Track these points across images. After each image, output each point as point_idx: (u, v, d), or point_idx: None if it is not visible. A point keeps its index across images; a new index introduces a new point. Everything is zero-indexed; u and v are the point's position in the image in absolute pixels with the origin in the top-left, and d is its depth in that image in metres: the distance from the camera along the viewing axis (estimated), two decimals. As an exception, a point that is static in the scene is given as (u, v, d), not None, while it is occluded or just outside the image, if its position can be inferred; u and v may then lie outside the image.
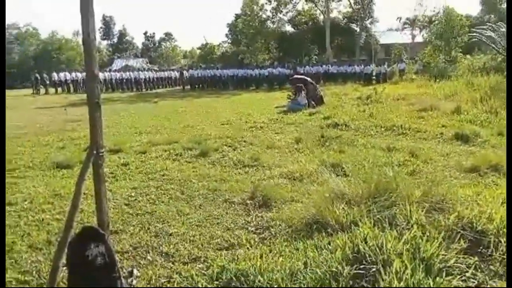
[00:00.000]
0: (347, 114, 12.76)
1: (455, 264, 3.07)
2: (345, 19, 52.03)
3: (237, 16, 50.42)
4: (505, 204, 3.85)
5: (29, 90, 35.10)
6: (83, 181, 3.03)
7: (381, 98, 17.24)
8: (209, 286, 3.24)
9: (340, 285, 2.95)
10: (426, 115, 12.34)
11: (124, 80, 34.96)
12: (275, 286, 3.05)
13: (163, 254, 3.93)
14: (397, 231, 3.51)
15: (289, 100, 16.63)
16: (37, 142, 9.97)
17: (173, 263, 3.74)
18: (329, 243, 3.61)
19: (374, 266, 3.01)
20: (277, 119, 12.92)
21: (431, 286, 2.79)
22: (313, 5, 51.16)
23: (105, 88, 32.11)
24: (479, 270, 3.11)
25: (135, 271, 3.55)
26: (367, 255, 3.14)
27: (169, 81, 39.04)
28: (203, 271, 3.52)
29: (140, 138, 10.19)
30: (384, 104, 15.57)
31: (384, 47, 53.63)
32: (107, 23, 71.32)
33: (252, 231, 4.43)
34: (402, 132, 10.11)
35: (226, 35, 56.45)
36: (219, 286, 3.22)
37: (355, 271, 3.03)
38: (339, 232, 3.76)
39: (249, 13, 46.46)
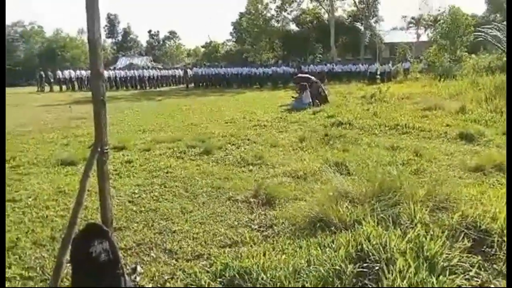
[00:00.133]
0: (351, 113, 12.73)
1: (459, 263, 3.06)
2: (350, 18, 51.98)
3: (242, 15, 50.49)
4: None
5: (34, 87, 35.26)
6: (87, 178, 3.04)
7: (385, 97, 17.18)
8: (212, 283, 3.25)
9: (343, 284, 2.95)
10: (430, 114, 12.30)
11: (128, 78, 35.03)
12: (278, 284, 3.05)
13: (167, 251, 3.93)
14: (400, 229, 3.50)
15: (293, 99, 16.63)
16: (42, 139, 10.00)
17: (176, 260, 3.75)
18: (332, 242, 3.60)
19: (378, 264, 3.01)
20: (281, 118, 12.91)
21: (435, 284, 2.79)
22: (318, 4, 51.15)
23: (110, 86, 32.16)
24: (483, 269, 3.10)
25: (138, 268, 3.56)
26: (370, 254, 3.13)
27: (173, 79, 39.17)
28: (206, 268, 3.53)
29: (144, 136, 10.21)
30: (388, 103, 15.54)
31: (389, 46, 53.50)
32: (112, 21, 71.54)
33: (255, 229, 4.43)
34: (406, 131, 10.07)
35: (231, 33, 56.70)
36: (222, 284, 3.23)
37: (359, 270, 3.02)
38: (342, 231, 3.76)
39: (253, 11, 46.50)
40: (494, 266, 3.18)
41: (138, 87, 34.22)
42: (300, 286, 3.00)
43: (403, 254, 3.05)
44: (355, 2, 49.45)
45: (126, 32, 73.07)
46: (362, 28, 50.75)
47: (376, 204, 4.10)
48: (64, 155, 7.72)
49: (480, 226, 3.58)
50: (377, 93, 17.78)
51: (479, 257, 3.19)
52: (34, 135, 10.58)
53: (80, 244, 2.82)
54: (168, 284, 3.38)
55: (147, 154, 8.08)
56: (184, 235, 4.28)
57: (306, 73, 26.70)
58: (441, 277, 2.85)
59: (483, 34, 24.85)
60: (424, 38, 52.14)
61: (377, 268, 2.99)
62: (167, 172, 6.72)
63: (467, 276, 2.97)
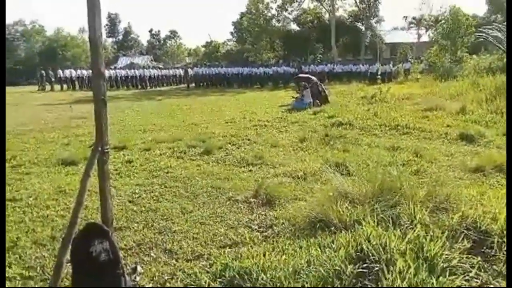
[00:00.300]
0: (352, 113, 12.73)
1: (459, 264, 3.06)
2: (351, 17, 51.93)
3: (242, 14, 50.46)
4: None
5: (34, 86, 35.22)
6: (88, 177, 3.04)
7: (386, 97, 17.19)
8: (212, 283, 3.25)
9: (343, 284, 2.95)
10: (431, 115, 12.30)
11: (129, 78, 34.98)
12: (278, 285, 3.05)
13: (167, 251, 3.94)
14: (400, 230, 3.51)
15: (294, 99, 16.64)
16: (42, 139, 10.00)
17: (176, 260, 3.75)
18: (332, 242, 3.61)
19: (378, 265, 3.01)
20: (281, 118, 12.91)
21: (434, 285, 2.79)
22: (319, 4, 51.12)
23: (110, 86, 32.14)
24: (483, 270, 3.11)
25: (138, 268, 3.57)
26: (370, 254, 3.14)
27: (173, 79, 39.12)
28: (206, 269, 3.54)
29: (145, 136, 10.21)
30: (389, 104, 15.55)
31: (390, 47, 53.52)
32: (113, 20, 71.56)
33: (255, 229, 4.43)
34: (407, 131, 10.08)
35: (231, 33, 56.53)
36: (222, 284, 3.23)
37: (358, 270, 3.02)
38: (342, 231, 3.76)
39: (254, 11, 46.53)
40: (494, 267, 3.18)
41: (139, 86, 34.18)
42: (300, 287, 3.00)
43: (403, 254, 3.05)
44: (356, 2, 49.41)
45: (127, 32, 73.10)
46: (363, 28, 50.72)
47: (376, 204, 4.10)
48: (65, 154, 7.73)
49: (480, 227, 3.59)
50: (378, 93, 17.77)
51: (479, 258, 3.19)
52: (35, 135, 10.58)
53: (81, 244, 2.83)
54: (168, 284, 3.38)
55: (147, 154, 8.09)
56: (184, 235, 4.29)
57: (306, 73, 26.72)
58: (441, 278, 2.85)
59: (484, 34, 24.84)
60: (425, 38, 52.09)
61: (377, 268, 2.99)
62: (167, 172, 6.72)
63: (467, 277, 2.97)
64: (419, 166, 6.65)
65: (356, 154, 7.56)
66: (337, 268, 3.07)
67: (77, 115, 14.54)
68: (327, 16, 50.92)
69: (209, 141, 8.78)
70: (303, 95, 16.04)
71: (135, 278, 3.41)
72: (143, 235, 4.31)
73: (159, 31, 74.72)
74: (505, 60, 23.12)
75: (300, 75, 22.11)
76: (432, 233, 3.38)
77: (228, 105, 18.12)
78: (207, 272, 3.45)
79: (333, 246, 3.50)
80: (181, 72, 39.46)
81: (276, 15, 49.80)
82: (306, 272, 3.12)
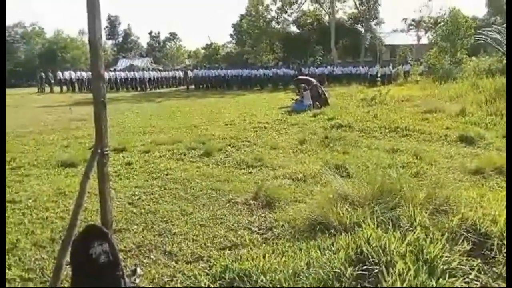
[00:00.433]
0: (352, 115, 12.74)
1: (458, 266, 3.06)
2: (350, 20, 51.97)
3: (242, 16, 50.52)
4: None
5: (34, 88, 35.26)
6: (88, 179, 3.04)
7: (385, 99, 17.20)
8: (211, 285, 3.25)
9: (343, 286, 2.95)
10: (430, 117, 12.30)
11: (129, 80, 35.01)
12: (278, 286, 3.05)
13: (166, 253, 3.94)
14: (400, 232, 3.51)
15: (293, 101, 16.65)
16: (42, 141, 10.00)
17: (176, 262, 3.75)
18: (332, 244, 3.61)
19: (377, 267, 3.01)
20: (281, 120, 12.91)
21: (434, 287, 2.79)
22: (318, 6, 51.16)
23: (110, 88, 32.15)
24: (483, 272, 3.10)
25: (138, 270, 3.56)
26: (370, 256, 3.13)
27: (173, 81, 39.15)
28: (206, 271, 3.53)
29: (144, 138, 10.21)
30: (388, 106, 15.56)
31: (389, 49, 53.58)
32: (113, 22, 71.53)
33: (255, 231, 4.43)
34: (407, 133, 10.08)
35: (231, 35, 56.58)
36: (222, 286, 3.23)
37: (358, 272, 3.02)
38: (342, 233, 3.76)
39: (254, 13, 46.59)
40: (494, 269, 3.18)
41: (139, 88, 34.21)
42: (299, 287, 3.00)
43: (402, 257, 3.05)
44: (355, 4, 49.45)
45: (127, 34, 73.07)
46: (362, 30, 50.75)
47: (376, 206, 4.10)
48: (64, 156, 7.73)
49: (479, 229, 3.58)
50: (378, 95, 17.79)
51: (479, 260, 3.19)
52: (34, 136, 10.58)
53: (80, 245, 2.83)
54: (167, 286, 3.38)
55: (147, 156, 8.08)
56: (184, 237, 4.29)
57: (306, 75, 26.74)
58: (440, 280, 2.85)
59: (483, 36, 24.87)
60: (424, 40, 52.24)
61: (376, 270, 2.99)
62: (167, 174, 6.72)
63: (466, 279, 2.97)
64: (419, 168, 6.64)
65: (355, 156, 7.56)
66: (336, 270, 3.07)
67: (76, 117, 14.54)
68: (326, 18, 50.96)
69: (208, 143, 8.78)
70: (303, 97, 16.06)
71: (135, 280, 3.41)
72: (142, 237, 4.31)
73: (159, 33, 74.80)
74: (504, 62, 23.17)
75: (300, 77, 22.12)
76: (432, 235, 3.37)
77: (227, 107, 18.12)
78: (207, 274, 3.45)
79: (333, 248, 3.50)
80: (181, 74, 39.50)
81: (276, 17, 49.83)
82: (306, 274, 3.12)
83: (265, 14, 48.11)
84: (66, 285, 3.20)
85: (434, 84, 23.91)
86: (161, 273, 3.56)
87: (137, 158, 7.89)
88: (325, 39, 47.56)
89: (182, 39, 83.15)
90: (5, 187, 5.53)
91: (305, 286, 3.02)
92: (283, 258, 3.50)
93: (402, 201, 4.14)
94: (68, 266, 2.97)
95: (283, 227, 4.42)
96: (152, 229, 4.50)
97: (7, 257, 3.80)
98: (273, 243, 4.04)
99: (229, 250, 3.97)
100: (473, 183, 5.85)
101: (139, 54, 70.52)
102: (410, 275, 2.84)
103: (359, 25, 51.57)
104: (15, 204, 5.30)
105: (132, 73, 36.40)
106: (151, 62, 60.60)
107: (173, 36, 74.12)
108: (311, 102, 15.79)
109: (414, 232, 3.40)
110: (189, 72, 38.11)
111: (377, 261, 3.07)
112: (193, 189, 5.90)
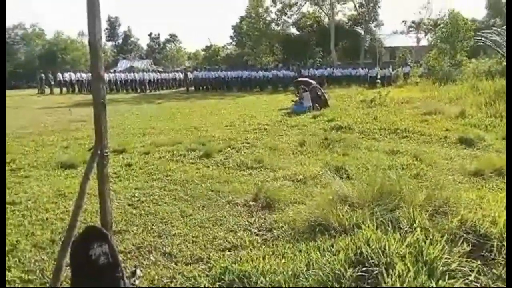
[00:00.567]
0: (351, 117, 12.74)
1: (458, 268, 3.06)
2: (350, 21, 52.08)
3: (242, 18, 50.60)
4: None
5: (34, 90, 35.24)
6: (88, 181, 3.04)
7: (385, 101, 17.20)
8: (211, 287, 3.25)
9: (343, 287, 2.95)
10: (430, 119, 12.30)
11: (129, 81, 35.00)
12: (277, 288, 3.05)
13: (166, 255, 3.94)
14: (400, 234, 3.50)
15: (293, 102, 16.66)
16: (42, 142, 10.00)
17: (175, 264, 3.75)
18: (332, 245, 3.61)
19: (377, 268, 3.01)
20: (281, 122, 12.92)
21: (434, 289, 2.79)
22: (318, 8, 51.23)
23: (110, 89, 32.15)
24: (482, 274, 3.10)
25: (138, 271, 3.56)
26: (369, 258, 3.13)
27: (173, 82, 39.14)
28: (205, 272, 3.53)
29: (144, 139, 10.21)
30: (388, 108, 15.55)
31: (389, 50, 53.61)
32: (112, 24, 71.65)
33: (255, 232, 4.43)
34: (406, 135, 10.09)
35: (231, 37, 56.78)
36: (222, 287, 3.23)
37: (358, 274, 3.02)
38: (342, 235, 3.77)
39: (254, 15, 46.60)
40: (494, 270, 3.17)
41: (138, 90, 34.18)
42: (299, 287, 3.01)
43: (402, 258, 3.05)
44: (355, 6, 49.56)
45: (127, 35, 73.17)
46: (362, 32, 50.84)
47: (375, 208, 4.10)
48: (64, 157, 7.73)
49: (479, 231, 3.58)
50: (377, 97, 17.79)
51: (479, 262, 3.19)
52: (34, 138, 10.58)
53: (80, 247, 2.83)
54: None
55: (147, 157, 8.08)
56: (184, 238, 4.29)
57: (306, 76, 26.76)
58: (440, 281, 2.85)
59: (483, 38, 24.93)
60: (424, 42, 52.17)
61: (376, 272, 2.99)
62: (166, 175, 6.72)
63: (466, 281, 2.96)
64: (419, 169, 6.65)
65: (355, 158, 7.57)
66: (336, 271, 3.06)
67: (76, 118, 14.54)
68: (326, 20, 51.07)
69: (208, 145, 8.78)
70: (303, 99, 16.06)
71: (134, 281, 3.41)
72: (142, 238, 4.31)
73: (158, 34, 74.86)
74: (504, 63, 23.20)
75: (300, 79, 22.18)
76: (431, 237, 3.37)
77: (227, 108, 18.13)
78: (207, 275, 3.45)
79: (333, 249, 3.51)
80: (181, 75, 39.49)
81: (276, 19, 49.91)
82: (306, 276, 3.12)
83: (265, 16, 48.15)
84: (66, 286, 3.19)
85: (433, 86, 23.93)
86: (161, 274, 3.55)
87: (137, 159, 7.89)
88: (325, 41, 47.65)
89: (182, 41, 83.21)
90: (5, 188, 5.53)
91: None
92: (283, 260, 3.51)
93: (402, 202, 4.14)
94: (68, 267, 2.96)
95: (283, 229, 4.42)
96: (151, 231, 4.50)
97: (7, 258, 3.80)
98: (272, 245, 4.04)
99: (229, 251, 3.97)
100: (472, 185, 5.85)
101: (139, 55, 70.62)
102: (410, 276, 2.84)
103: (358, 27, 51.66)
104: (15, 205, 5.30)
105: (132, 74, 36.38)
106: (151, 64, 60.68)
107: (173, 38, 74.21)
108: (311, 104, 15.79)
109: (414, 234, 3.40)
110: (189, 73, 38.10)
111: (376, 262, 3.07)
112: (193, 190, 5.90)
